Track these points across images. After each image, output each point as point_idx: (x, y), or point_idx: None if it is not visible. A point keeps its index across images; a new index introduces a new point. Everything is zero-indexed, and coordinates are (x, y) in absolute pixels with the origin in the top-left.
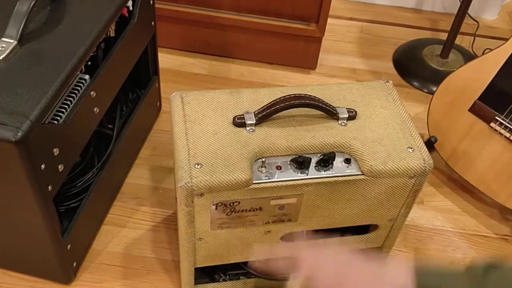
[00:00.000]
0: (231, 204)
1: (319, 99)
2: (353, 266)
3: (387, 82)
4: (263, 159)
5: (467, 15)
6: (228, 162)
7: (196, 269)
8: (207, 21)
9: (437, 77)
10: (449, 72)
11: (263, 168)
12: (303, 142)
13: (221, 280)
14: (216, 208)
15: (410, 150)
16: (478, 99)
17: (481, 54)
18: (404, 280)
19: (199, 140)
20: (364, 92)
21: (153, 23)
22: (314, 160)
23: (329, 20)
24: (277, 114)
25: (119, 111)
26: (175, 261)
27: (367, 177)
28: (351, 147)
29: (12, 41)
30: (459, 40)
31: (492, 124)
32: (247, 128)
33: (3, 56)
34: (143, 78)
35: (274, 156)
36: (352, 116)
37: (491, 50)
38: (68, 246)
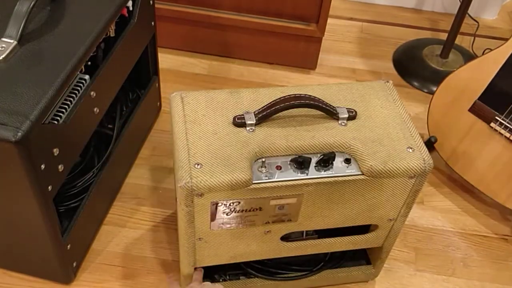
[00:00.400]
0: (231, 204)
1: (319, 99)
2: None
3: (387, 82)
4: (263, 159)
5: (467, 15)
6: (228, 162)
7: (196, 269)
8: (207, 21)
9: (437, 77)
10: (449, 72)
11: (263, 168)
12: (303, 142)
13: (221, 280)
14: (216, 208)
15: (410, 150)
16: (478, 99)
17: (481, 54)
18: None
19: (199, 140)
20: (364, 92)
21: (153, 23)
22: (314, 160)
23: (329, 20)
24: (277, 114)
25: (119, 111)
26: (175, 261)
27: (367, 177)
28: (351, 147)
29: (12, 41)
30: (459, 40)
31: (492, 124)
32: (247, 128)
33: (3, 56)
34: (143, 78)
35: (274, 156)
36: (352, 116)
37: (491, 50)
38: (68, 246)
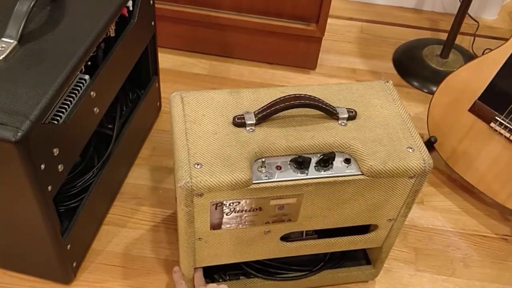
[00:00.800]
0: (231, 204)
1: (319, 99)
2: None
3: (387, 82)
4: (263, 159)
5: (467, 15)
6: (228, 162)
7: (196, 269)
8: (207, 21)
9: (437, 77)
10: (449, 72)
11: (263, 168)
12: (303, 142)
13: (220, 280)
14: (216, 208)
15: (410, 150)
16: (478, 99)
17: (481, 54)
18: None
19: (199, 140)
20: (364, 92)
21: (153, 23)
22: (314, 160)
23: (329, 20)
24: (277, 114)
25: (119, 111)
26: (175, 261)
27: (367, 177)
28: (351, 147)
29: (12, 41)
30: (459, 40)
31: (492, 124)
32: (247, 128)
33: (3, 56)
34: (143, 78)
35: (274, 156)
36: (352, 116)
37: (491, 50)
38: (68, 246)
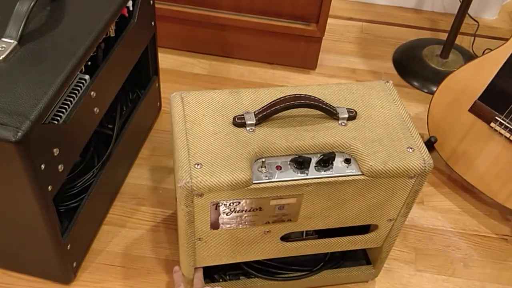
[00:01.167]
0: (231, 204)
1: (319, 99)
2: None
3: (387, 82)
4: (263, 159)
5: (467, 15)
6: (228, 162)
7: (196, 269)
8: (207, 21)
9: (437, 77)
10: (449, 72)
11: (263, 168)
12: (303, 142)
13: (220, 280)
14: (216, 208)
15: (410, 150)
16: (478, 99)
17: (481, 54)
18: None
19: (199, 140)
20: (364, 92)
21: (153, 23)
22: (314, 160)
23: (329, 20)
24: (277, 114)
25: (119, 111)
26: (175, 261)
27: (367, 177)
28: (351, 147)
29: (12, 41)
30: (459, 40)
31: (492, 124)
32: (247, 128)
33: (3, 56)
34: (143, 78)
35: (274, 156)
36: (352, 116)
37: (491, 50)
38: (68, 246)
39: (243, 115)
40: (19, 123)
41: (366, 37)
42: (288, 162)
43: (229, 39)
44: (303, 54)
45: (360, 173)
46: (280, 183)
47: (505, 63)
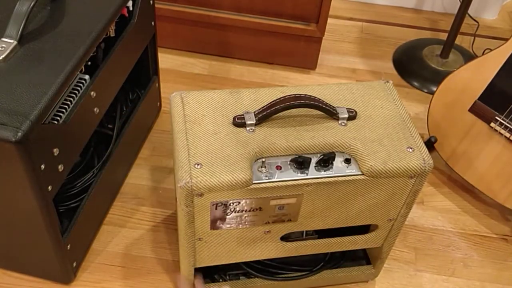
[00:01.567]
0: (231, 204)
1: (319, 99)
2: None
3: (387, 82)
4: (263, 159)
5: (467, 15)
6: (228, 162)
7: (196, 269)
8: (207, 21)
9: (437, 77)
10: (449, 72)
11: (263, 168)
12: (303, 142)
13: (221, 280)
14: (216, 208)
15: (410, 150)
16: (478, 99)
17: (481, 54)
18: None
19: (199, 140)
20: (364, 92)
21: (153, 23)
22: (314, 160)
23: (329, 20)
24: (277, 114)
25: (119, 111)
26: (175, 261)
27: (367, 177)
28: (351, 147)
29: (12, 41)
30: (459, 40)
31: (492, 124)
32: (247, 128)
33: (3, 56)
34: (143, 78)
35: (274, 156)
36: (352, 116)
37: (491, 50)
38: (68, 246)
39: (243, 115)
40: (19, 123)
41: (366, 37)
42: (288, 162)
43: (229, 39)
44: (303, 54)
45: (360, 173)
46: (280, 183)
47: (505, 63)
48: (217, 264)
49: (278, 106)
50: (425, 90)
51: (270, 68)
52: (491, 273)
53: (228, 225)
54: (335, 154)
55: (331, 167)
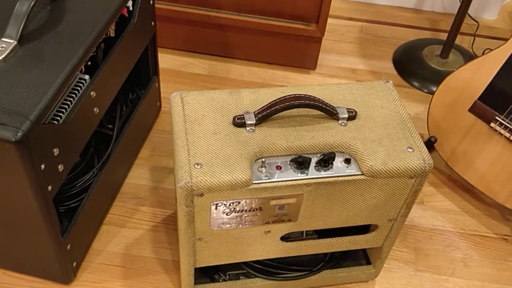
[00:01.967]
0: (231, 204)
1: (319, 99)
2: None
3: (387, 82)
4: (263, 159)
5: (467, 15)
6: (228, 162)
7: (196, 269)
8: (207, 21)
9: (437, 77)
10: (449, 72)
11: (263, 168)
12: (303, 142)
13: (221, 280)
14: (216, 208)
15: (410, 150)
16: (478, 99)
17: (481, 54)
18: None
19: (199, 140)
20: (364, 92)
21: (153, 23)
22: (314, 160)
23: (329, 20)
24: (277, 114)
25: (119, 111)
26: (175, 261)
27: (367, 177)
28: (351, 147)
29: (12, 41)
30: (459, 40)
31: (492, 124)
32: (247, 128)
33: (3, 56)
34: (143, 78)
35: (274, 156)
36: (352, 116)
37: (491, 50)
38: (68, 246)
39: (243, 115)
40: (19, 123)
41: (366, 37)
42: (288, 162)
43: (229, 39)
44: (303, 54)
45: (360, 173)
46: (280, 183)
47: (505, 63)
48: (217, 264)
49: (278, 106)
50: (425, 90)
51: (270, 68)
52: (491, 273)
53: (228, 225)
54: (335, 154)
55: (331, 167)
